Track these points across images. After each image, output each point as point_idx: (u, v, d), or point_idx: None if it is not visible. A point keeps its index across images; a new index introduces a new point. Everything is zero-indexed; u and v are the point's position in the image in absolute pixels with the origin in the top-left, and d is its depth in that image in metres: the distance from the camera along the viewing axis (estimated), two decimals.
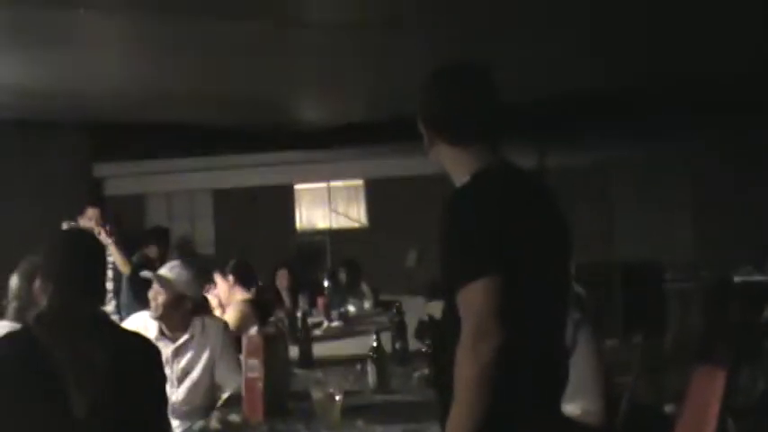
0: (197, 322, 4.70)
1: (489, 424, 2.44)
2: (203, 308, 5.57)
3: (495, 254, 2.50)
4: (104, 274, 3.20)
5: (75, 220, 8.05)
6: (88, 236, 3.55)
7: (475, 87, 2.76)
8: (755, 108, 11.03)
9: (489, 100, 2.76)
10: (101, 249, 3.22)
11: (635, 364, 5.10)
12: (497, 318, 2.44)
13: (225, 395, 4.55)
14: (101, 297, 3.14)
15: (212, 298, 6.18)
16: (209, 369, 4.64)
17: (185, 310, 4.65)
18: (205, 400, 4.60)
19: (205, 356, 4.63)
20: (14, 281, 4.08)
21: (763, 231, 11.70)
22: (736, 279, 10.60)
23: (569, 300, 2.98)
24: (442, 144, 2.77)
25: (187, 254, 10.79)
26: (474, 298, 2.47)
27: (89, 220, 8.04)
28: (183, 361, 4.60)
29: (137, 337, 3.21)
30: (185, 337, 4.63)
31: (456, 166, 2.75)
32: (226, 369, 4.64)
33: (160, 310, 4.60)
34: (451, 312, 2.57)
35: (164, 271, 4.69)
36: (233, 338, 4.84)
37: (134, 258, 8.31)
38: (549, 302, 2.68)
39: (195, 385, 4.59)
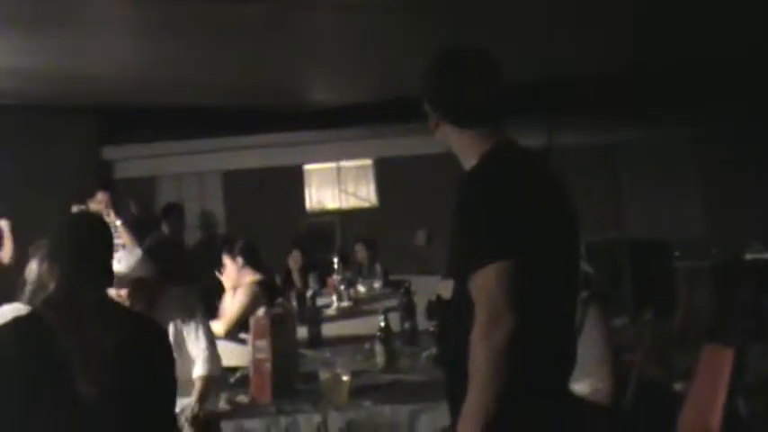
0: (162, 297, 4.63)
1: (504, 406, 2.45)
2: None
3: (508, 237, 2.52)
4: (110, 257, 3.20)
5: (85, 204, 8.07)
6: (96, 219, 3.55)
7: (479, 70, 2.77)
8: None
9: (493, 82, 2.77)
10: (108, 233, 3.22)
11: (644, 343, 5.10)
12: (512, 303, 2.45)
13: (195, 370, 4.47)
14: (108, 281, 3.14)
15: (225, 280, 6.18)
16: (175, 341, 4.48)
17: (149, 291, 4.58)
18: (180, 376, 4.52)
19: (171, 326, 4.52)
20: (32, 264, 4.08)
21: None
22: (746, 257, 10.57)
23: (579, 281, 2.99)
24: (448, 126, 2.78)
25: (210, 231, 10.85)
26: (488, 283, 2.48)
27: (98, 203, 8.06)
28: None
29: (144, 321, 3.21)
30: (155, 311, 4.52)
31: (463, 147, 2.77)
32: (191, 339, 4.54)
33: (141, 301, 4.53)
34: (463, 295, 2.57)
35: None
36: (202, 306, 4.78)
37: (148, 239, 8.34)
38: (561, 285, 2.69)
39: None
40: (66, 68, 9.18)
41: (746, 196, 12.32)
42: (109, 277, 3.14)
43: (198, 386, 4.41)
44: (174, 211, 9.47)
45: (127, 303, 4.43)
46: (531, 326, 2.47)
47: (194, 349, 4.51)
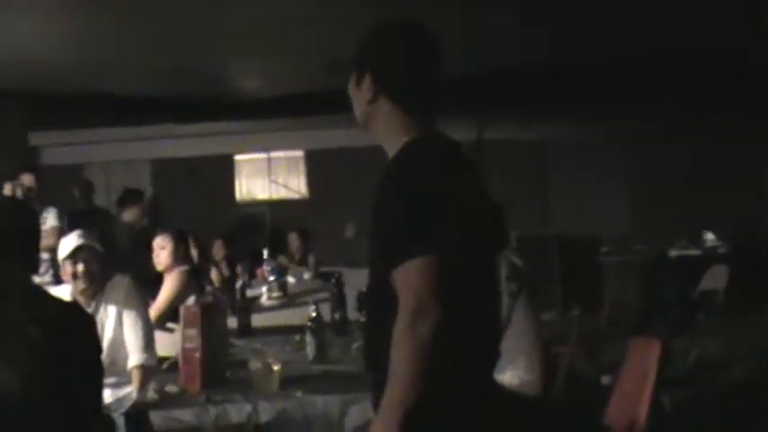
0: (107, 281, 4.58)
1: (424, 401, 2.42)
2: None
3: (434, 230, 2.45)
4: (38, 243, 3.14)
5: (11, 185, 7.87)
6: (20, 204, 3.49)
7: (429, 49, 2.68)
8: (697, 90, 11.18)
9: (440, 66, 2.69)
10: (34, 218, 3.15)
11: (572, 336, 5.15)
12: (437, 296, 2.40)
13: (131, 359, 4.43)
14: (33, 267, 3.07)
15: (158, 267, 6.13)
16: (121, 328, 4.49)
17: (104, 271, 4.58)
18: (121, 364, 4.49)
19: (113, 314, 4.48)
20: None
21: (698, 207, 11.89)
22: (672, 253, 10.75)
23: (500, 274, 2.98)
24: (386, 102, 2.66)
25: (153, 218, 10.64)
26: (413, 276, 2.42)
27: (23, 185, 7.87)
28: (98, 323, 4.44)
29: (70, 308, 3.15)
30: (98, 297, 4.52)
31: (392, 128, 2.66)
32: (129, 326, 4.49)
33: (97, 281, 4.52)
34: (384, 286, 2.51)
35: (86, 241, 4.54)
36: (141, 298, 4.74)
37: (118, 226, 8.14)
38: (485, 279, 2.67)
39: (111, 346, 4.40)
40: None
41: (672, 194, 12.54)
42: (35, 263, 3.08)
43: (136, 376, 4.39)
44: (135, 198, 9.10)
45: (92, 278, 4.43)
46: (455, 320, 2.44)
47: (132, 338, 4.46)
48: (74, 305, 3.22)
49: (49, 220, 7.81)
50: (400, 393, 2.41)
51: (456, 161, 2.65)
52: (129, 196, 8.72)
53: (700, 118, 12.03)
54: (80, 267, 4.44)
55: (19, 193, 7.70)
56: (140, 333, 4.47)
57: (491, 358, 2.71)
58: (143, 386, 4.22)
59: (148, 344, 4.49)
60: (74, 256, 4.47)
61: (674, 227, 11.30)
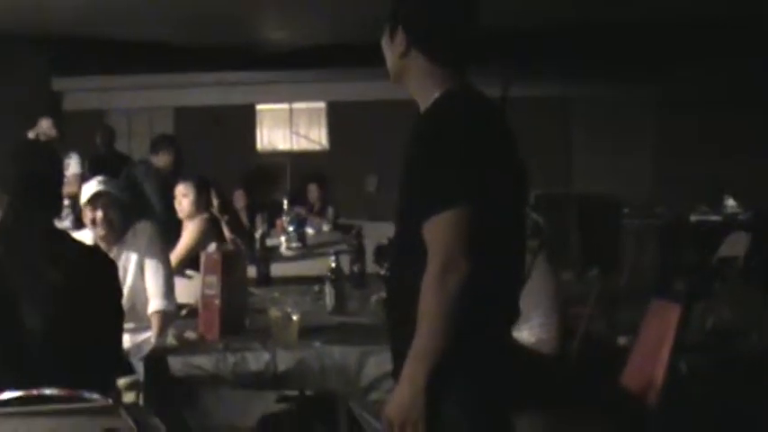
0: (130, 227, 4.59)
1: (450, 351, 2.45)
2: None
3: (468, 183, 2.47)
4: (60, 186, 3.14)
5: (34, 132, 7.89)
6: (42, 146, 3.49)
7: (466, 4, 2.68)
8: (722, 52, 11.07)
9: (474, 21, 2.69)
10: (58, 161, 3.16)
11: (590, 297, 5.14)
12: (466, 250, 2.43)
13: (151, 305, 4.47)
14: (56, 210, 3.09)
15: (180, 214, 6.15)
16: (141, 274, 4.53)
17: (125, 218, 4.57)
18: (141, 309, 4.53)
19: (134, 260, 4.51)
20: None
21: (720, 173, 11.80)
22: (692, 218, 10.70)
23: (526, 231, 2.98)
24: (418, 55, 2.65)
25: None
26: (444, 229, 2.45)
27: (43, 130, 7.87)
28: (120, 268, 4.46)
29: (91, 251, 3.16)
30: (120, 243, 4.53)
31: (425, 80, 2.66)
32: (150, 272, 4.52)
33: (116, 227, 4.52)
34: (412, 238, 2.54)
35: (105, 188, 4.55)
36: (163, 244, 4.76)
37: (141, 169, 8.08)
38: (512, 233, 2.68)
39: (131, 291, 4.44)
40: None
41: (695, 159, 12.44)
42: (58, 206, 3.09)
43: (155, 321, 4.44)
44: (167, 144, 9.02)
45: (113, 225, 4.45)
46: (481, 274, 2.46)
47: (153, 285, 4.50)
48: (96, 249, 3.22)
49: (72, 166, 7.83)
50: (427, 346, 2.45)
51: (488, 115, 2.65)
52: (162, 141, 8.71)
53: (732, 83, 11.91)
54: (99, 214, 4.45)
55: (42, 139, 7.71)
56: (161, 280, 4.51)
57: (512, 314, 2.73)
58: (162, 332, 4.26)
59: (169, 290, 4.53)
60: (93, 202, 4.48)
61: (700, 191, 11.23)
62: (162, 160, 8.08)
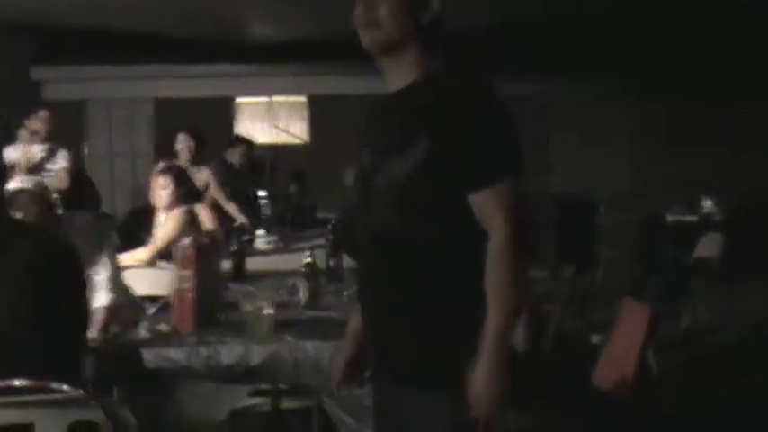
0: (67, 218, 4.51)
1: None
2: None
3: (517, 153, 2.52)
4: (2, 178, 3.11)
5: (23, 123, 7.82)
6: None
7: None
8: (698, 47, 11.11)
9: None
10: None
11: (565, 294, 5.17)
12: (527, 220, 2.45)
13: (96, 299, 4.28)
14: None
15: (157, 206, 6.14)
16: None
17: (54, 212, 4.45)
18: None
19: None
20: None
21: (697, 173, 11.84)
22: (668, 218, 10.73)
23: None
24: (415, 49, 2.59)
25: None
26: (509, 198, 2.44)
27: (40, 121, 7.82)
28: None
29: (51, 240, 3.11)
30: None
31: (422, 57, 2.60)
32: (94, 269, 4.32)
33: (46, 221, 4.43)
34: (439, 218, 2.48)
35: (26, 185, 4.45)
36: (108, 230, 4.70)
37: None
38: None
39: None
40: None
41: (677, 152, 12.42)
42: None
43: (99, 317, 4.23)
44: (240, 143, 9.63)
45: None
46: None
47: (96, 278, 4.40)
48: (57, 239, 3.16)
49: (60, 161, 7.80)
50: (509, 319, 2.43)
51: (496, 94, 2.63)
52: (238, 140, 9.74)
53: (708, 75, 11.93)
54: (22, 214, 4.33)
55: (25, 136, 7.68)
56: (105, 273, 4.31)
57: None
58: (107, 327, 4.13)
59: (114, 284, 4.35)
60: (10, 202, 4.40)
61: (678, 187, 11.24)
62: (232, 155, 9.07)
